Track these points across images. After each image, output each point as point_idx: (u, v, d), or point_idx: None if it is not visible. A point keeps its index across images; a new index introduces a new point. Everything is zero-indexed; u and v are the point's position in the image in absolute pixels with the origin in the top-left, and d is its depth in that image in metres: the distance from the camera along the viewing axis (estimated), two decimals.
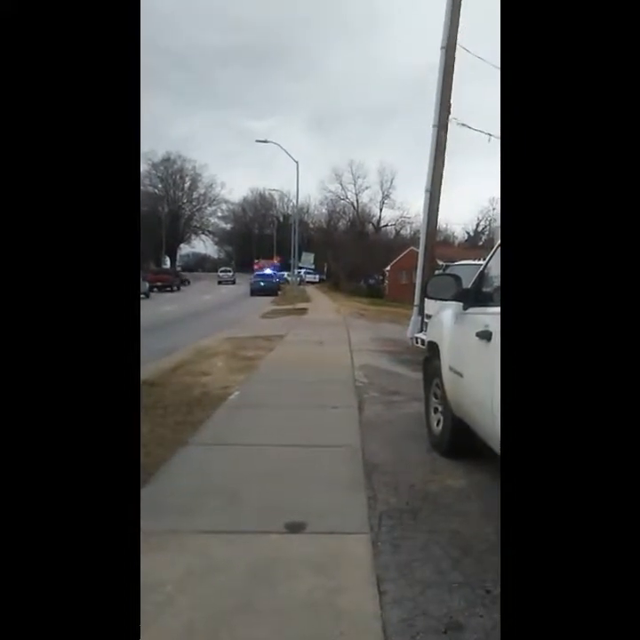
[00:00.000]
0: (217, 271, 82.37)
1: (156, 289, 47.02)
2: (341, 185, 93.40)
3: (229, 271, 77.85)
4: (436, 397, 5.93)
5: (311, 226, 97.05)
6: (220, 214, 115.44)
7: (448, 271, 11.06)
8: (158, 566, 3.29)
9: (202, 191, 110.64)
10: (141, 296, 38.91)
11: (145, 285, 42.50)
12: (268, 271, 56.50)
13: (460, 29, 13.89)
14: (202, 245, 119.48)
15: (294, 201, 56.11)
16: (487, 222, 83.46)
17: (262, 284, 49.37)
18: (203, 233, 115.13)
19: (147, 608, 2.84)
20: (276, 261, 73.83)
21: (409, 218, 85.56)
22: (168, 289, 51.03)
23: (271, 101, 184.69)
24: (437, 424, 5.83)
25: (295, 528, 3.85)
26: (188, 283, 65.90)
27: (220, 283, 70.16)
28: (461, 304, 5.08)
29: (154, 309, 27.47)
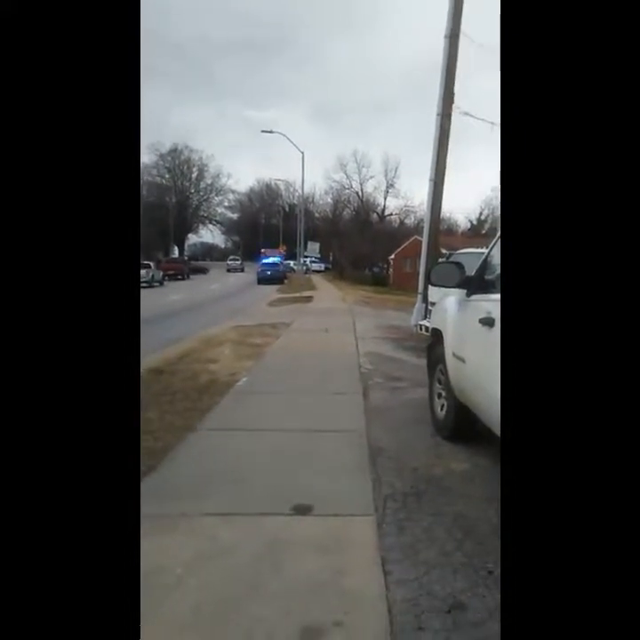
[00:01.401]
0: (225, 260, 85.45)
1: (167, 277, 48.49)
2: (346, 174, 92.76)
3: (238, 260, 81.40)
4: (440, 383, 5.96)
5: (316, 215, 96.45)
6: (226, 204, 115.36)
7: (451, 259, 11.08)
8: (168, 549, 3.36)
9: (209, 181, 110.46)
10: (155, 284, 40.80)
11: (159, 274, 44.21)
12: (274, 260, 56.38)
13: (463, 18, 13.83)
14: (209, 235, 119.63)
15: (300, 191, 55.93)
16: (490, 211, 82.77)
17: (269, 272, 49.24)
18: (210, 223, 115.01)
19: (157, 589, 2.91)
20: (282, 250, 73.70)
21: (413, 207, 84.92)
22: (179, 277, 52.89)
23: (275, 92, 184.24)
24: (441, 409, 5.87)
25: (302, 510, 3.90)
26: (207, 271, 68.48)
27: (228, 271, 72.89)
28: (465, 291, 5.11)
29: (167, 298, 28.49)
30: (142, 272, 39.87)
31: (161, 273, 45.95)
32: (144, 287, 38.64)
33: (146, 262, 44.08)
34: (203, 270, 68.67)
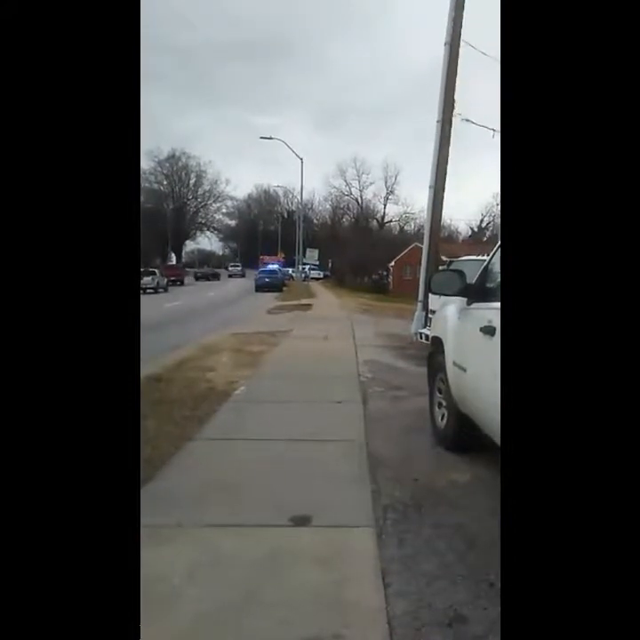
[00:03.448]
0: (222, 268, 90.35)
1: (170, 283, 50.90)
2: (345, 181, 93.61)
3: (238, 266, 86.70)
4: (440, 392, 5.93)
5: (315, 222, 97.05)
6: (224, 211, 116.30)
7: (452, 267, 11.06)
8: (166, 559, 3.33)
9: (206, 188, 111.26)
10: (160, 290, 43.45)
11: (164, 280, 47.00)
12: (272, 267, 56.60)
13: (464, 25, 13.86)
14: (207, 242, 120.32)
15: (299, 197, 56.27)
16: (491, 218, 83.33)
17: (267, 280, 49.41)
18: (208, 229, 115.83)
19: (153, 601, 2.87)
20: (280, 258, 74.02)
21: (413, 214, 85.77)
22: (178, 283, 55.86)
23: (275, 98, 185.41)
24: (442, 419, 5.83)
25: (301, 521, 3.87)
26: (219, 277, 74.72)
27: (230, 276, 78.65)
28: (465, 299, 5.09)
29: (172, 303, 30.25)
30: (148, 279, 42.78)
31: (165, 279, 48.41)
32: (150, 293, 40.66)
33: (152, 269, 47.18)
34: (216, 275, 74.75)
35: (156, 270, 47.79)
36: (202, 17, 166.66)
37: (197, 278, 70.94)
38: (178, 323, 20.57)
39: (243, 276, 78.93)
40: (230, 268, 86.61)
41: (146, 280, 42.39)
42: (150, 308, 24.91)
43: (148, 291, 41.80)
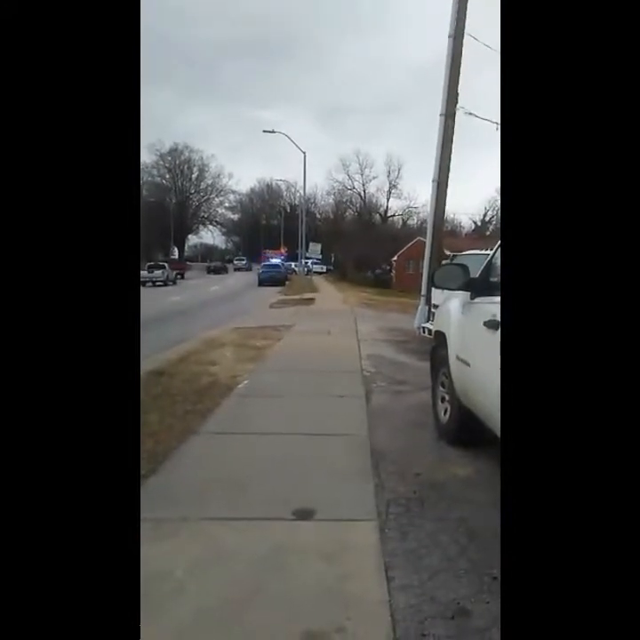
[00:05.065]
0: (224, 261, 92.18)
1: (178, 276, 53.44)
2: (348, 175, 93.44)
3: (243, 260, 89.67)
4: (444, 387, 5.93)
5: (318, 216, 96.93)
6: (227, 205, 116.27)
7: (455, 261, 11.02)
8: (169, 553, 3.34)
9: (209, 182, 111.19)
10: (169, 283, 45.59)
11: (172, 274, 49.19)
12: (275, 261, 56.65)
13: (470, 19, 13.79)
14: (209, 236, 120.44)
15: (301, 191, 56.19)
16: (494, 212, 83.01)
17: (270, 274, 49.50)
18: (210, 223, 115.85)
19: (157, 594, 2.89)
20: (283, 252, 74.10)
21: (416, 208, 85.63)
22: (181, 276, 57.55)
23: (278, 93, 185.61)
24: (445, 413, 5.83)
25: (304, 515, 3.87)
26: (227, 271, 78.55)
27: (236, 270, 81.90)
28: (469, 294, 5.08)
29: (180, 295, 31.10)
30: (159, 272, 45.60)
31: (174, 273, 50.44)
32: (160, 286, 43.06)
33: (161, 263, 50.85)
34: (225, 269, 79.00)
35: (166, 264, 50.78)
36: (204, 15, 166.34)
37: (209, 271, 74.80)
38: (183, 315, 20.92)
39: (248, 269, 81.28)
40: (236, 262, 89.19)
41: (157, 273, 45.27)
42: (158, 300, 25.31)
43: (158, 283, 43.99)
